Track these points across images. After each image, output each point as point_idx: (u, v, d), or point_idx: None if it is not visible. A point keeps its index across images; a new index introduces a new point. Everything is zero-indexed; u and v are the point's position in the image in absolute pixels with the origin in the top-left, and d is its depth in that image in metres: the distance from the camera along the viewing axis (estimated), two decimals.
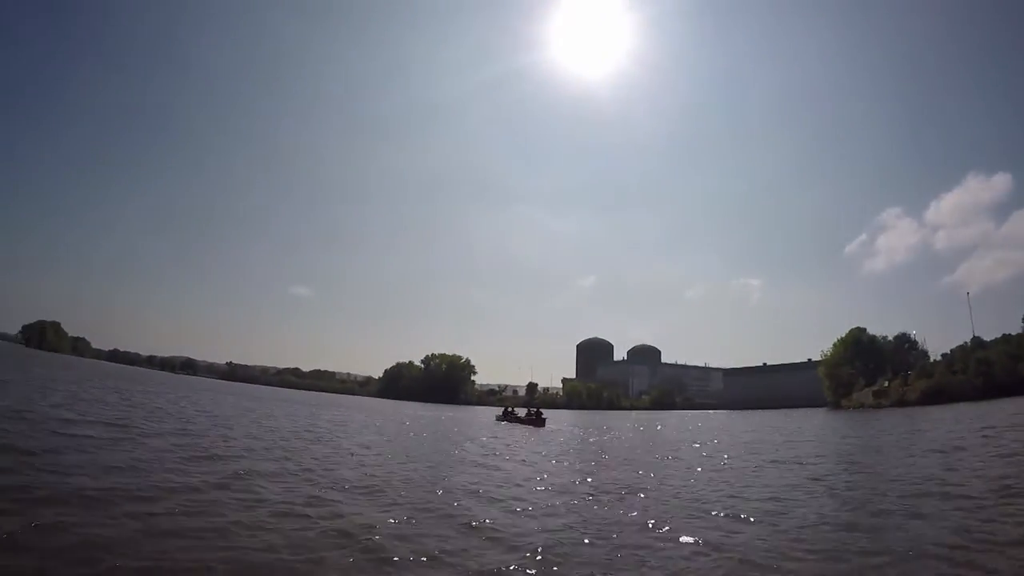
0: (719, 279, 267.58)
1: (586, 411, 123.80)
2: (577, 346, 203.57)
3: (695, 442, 29.56)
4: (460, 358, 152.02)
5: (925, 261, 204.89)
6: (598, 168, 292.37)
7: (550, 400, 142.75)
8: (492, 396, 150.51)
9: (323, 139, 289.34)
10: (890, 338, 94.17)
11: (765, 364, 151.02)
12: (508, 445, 25.97)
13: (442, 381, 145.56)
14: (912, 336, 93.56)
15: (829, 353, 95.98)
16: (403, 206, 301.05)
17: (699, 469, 17.14)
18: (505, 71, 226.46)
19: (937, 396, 67.13)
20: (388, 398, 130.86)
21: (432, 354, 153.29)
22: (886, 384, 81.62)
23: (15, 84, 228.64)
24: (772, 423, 50.44)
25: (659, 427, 47.08)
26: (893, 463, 17.08)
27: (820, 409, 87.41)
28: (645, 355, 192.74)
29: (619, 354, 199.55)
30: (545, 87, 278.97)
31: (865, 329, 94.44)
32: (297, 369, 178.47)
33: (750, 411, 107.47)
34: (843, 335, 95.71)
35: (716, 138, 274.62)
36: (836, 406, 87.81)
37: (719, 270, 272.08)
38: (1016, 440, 20.10)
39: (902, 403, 71.65)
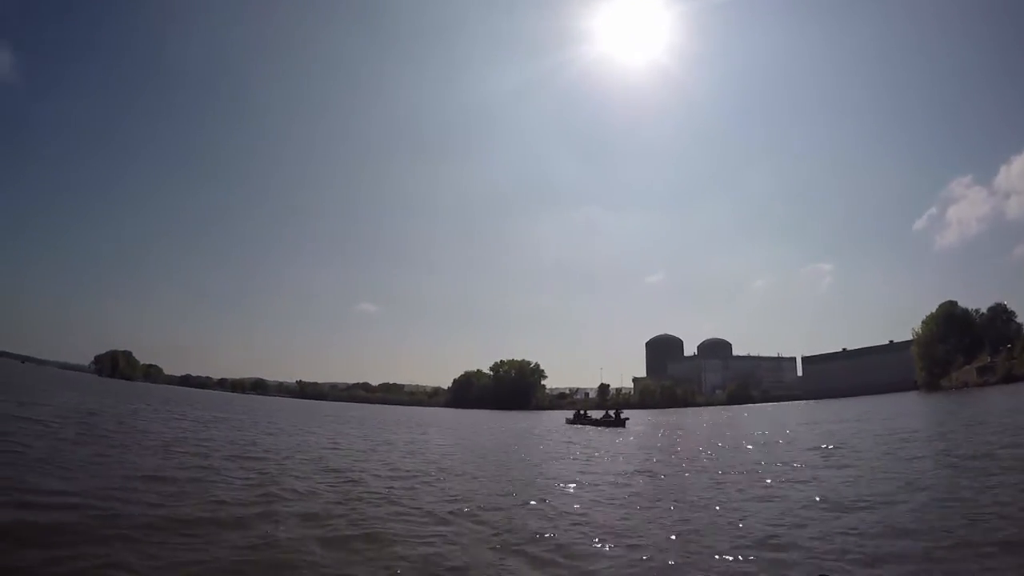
0: (788, 267, 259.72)
1: (660, 410, 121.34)
2: (646, 344, 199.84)
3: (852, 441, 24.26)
4: (529, 363, 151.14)
5: (999, 231, 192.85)
6: (657, 162, 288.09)
7: (623, 400, 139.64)
8: (563, 400, 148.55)
9: (385, 157, 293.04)
10: (983, 311, 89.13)
11: (844, 349, 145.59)
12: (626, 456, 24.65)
13: (512, 388, 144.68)
14: (1007, 307, 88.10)
15: (919, 331, 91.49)
16: (465, 217, 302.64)
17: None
18: (552, 67, 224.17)
19: None
20: (457, 408, 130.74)
21: (501, 361, 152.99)
22: (988, 359, 77.01)
23: (82, 120, 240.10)
24: (883, 411, 45.98)
25: (761, 432, 39.99)
26: None
27: (910, 393, 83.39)
28: (716, 349, 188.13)
29: (689, 349, 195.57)
30: (594, 82, 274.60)
31: (956, 303, 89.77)
32: (366, 384, 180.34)
33: (833, 400, 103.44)
34: (932, 311, 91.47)
35: (775, 123, 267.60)
36: (932, 387, 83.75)
37: (787, 258, 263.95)
38: None
39: (1010, 378, 67.66)
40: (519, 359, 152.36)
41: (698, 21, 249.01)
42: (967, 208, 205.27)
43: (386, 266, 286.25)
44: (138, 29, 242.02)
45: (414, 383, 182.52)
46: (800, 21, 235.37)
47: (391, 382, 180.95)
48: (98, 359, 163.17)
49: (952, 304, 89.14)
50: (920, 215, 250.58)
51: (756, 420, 50.78)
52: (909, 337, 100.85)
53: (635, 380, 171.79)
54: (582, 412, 61.29)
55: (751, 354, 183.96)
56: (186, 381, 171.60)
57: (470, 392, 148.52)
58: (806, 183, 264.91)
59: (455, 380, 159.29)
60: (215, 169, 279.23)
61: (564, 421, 59.19)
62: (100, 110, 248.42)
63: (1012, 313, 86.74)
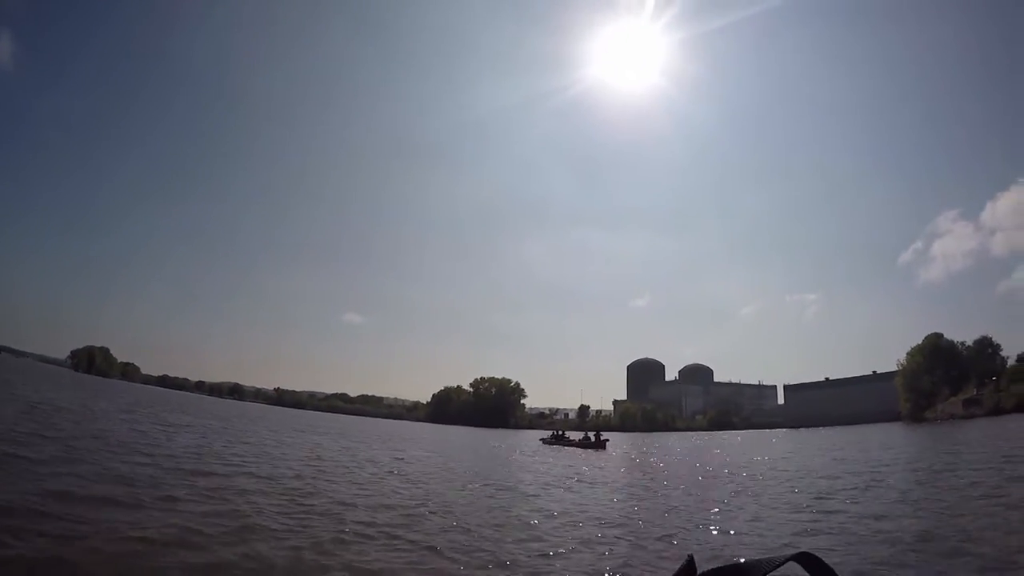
0: (773, 295, 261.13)
1: (641, 433, 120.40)
2: (628, 367, 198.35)
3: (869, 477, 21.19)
4: (510, 381, 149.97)
5: (984, 266, 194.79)
6: (650, 186, 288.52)
7: (603, 423, 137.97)
8: (543, 419, 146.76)
9: (379, 166, 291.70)
10: (969, 343, 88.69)
11: (827, 379, 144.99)
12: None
13: (491, 405, 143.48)
14: (993, 340, 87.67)
15: (905, 363, 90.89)
16: (455, 231, 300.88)
17: None
18: (550, 86, 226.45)
19: None
20: (436, 423, 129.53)
21: (481, 378, 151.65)
22: (974, 392, 76.30)
23: (75, 115, 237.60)
24: (876, 441, 44.49)
25: (757, 457, 38.68)
26: None
27: (893, 424, 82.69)
28: (697, 374, 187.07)
29: (671, 374, 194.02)
30: (591, 103, 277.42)
31: (942, 335, 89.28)
32: (344, 395, 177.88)
33: (815, 428, 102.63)
34: (918, 343, 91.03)
35: (766, 151, 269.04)
36: (916, 419, 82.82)
37: (773, 286, 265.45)
38: None
39: (998, 411, 66.91)
40: (500, 377, 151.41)
41: (695, 47, 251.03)
42: (953, 243, 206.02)
43: (374, 276, 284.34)
44: (138, 28, 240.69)
45: (394, 396, 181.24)
46: (794, 51, 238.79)
47: (370, 394, 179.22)
48: (75, 354, 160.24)
49: (938, 336, 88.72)
50: (906, 248, 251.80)
51: (738, 449, 48.99)
52: (893, 368, 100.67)
53: (615, 403, 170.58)
54: (559, 432, 59.91)
55: (733, 380, 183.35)
56: (163, 382, 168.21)
57: (449, 408, 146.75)
58: (795, 212, 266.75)
59: (435, 395, 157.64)
60: (207, 171, 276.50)
61: (539, 441, 57.72)
62: (95, 106, 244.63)
63: (998, 346, 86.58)
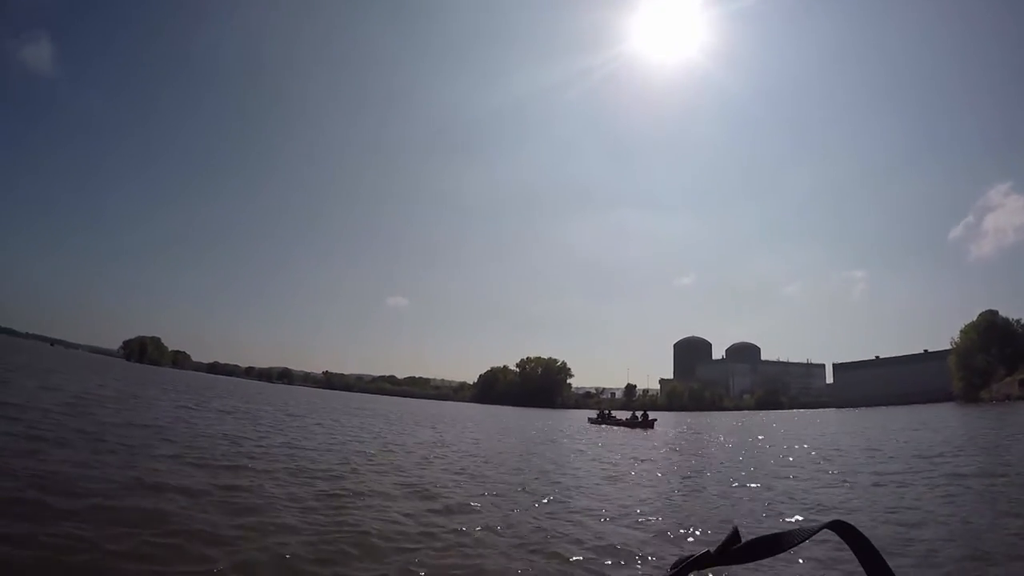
0: (820, 273, 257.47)
1: (688, 412, 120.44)
2: (674, 345, 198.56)
3: None
4: (556, 361, 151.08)
5: None
6: (690, 164, 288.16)
7: (650, 402, 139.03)
8: (589, 399, 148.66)
9: (418, 155, 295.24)
10: None
11: (877, 357, 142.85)
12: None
13: (538, 385, 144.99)
14: None
15: (958, 341, 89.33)
16: (496, 215, 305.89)
17: None
18: (586, 66, 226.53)
19: None
20: (483, 403, 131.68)
21: (527, 357, 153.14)
22: None
23: (119, 113, 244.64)
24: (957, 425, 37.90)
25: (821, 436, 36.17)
26: None
27: (945, 404, 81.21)
28: (744, 353, 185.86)
29: (717, 353, 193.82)
30: (627, 82, 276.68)
31: (997, 312, 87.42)
32: (392, 377, 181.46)
33: (866, 408, 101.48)
34: (971, 321, 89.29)
35: (808, 127, 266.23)
36: (970, 399, 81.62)
37: (820, 264, 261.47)
38: None
39: None
40: (546, 357, 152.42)
41: (734, 22, 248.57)
42: (1005, 217, 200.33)
43: (417, 261, 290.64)
44: (174, 27, 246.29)
45: (440, 377, 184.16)
46: (835, 23, 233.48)
47: (417, 376, 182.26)
48: (126, 344, 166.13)
49: (993, 313, 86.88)
50: (956, 223, 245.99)
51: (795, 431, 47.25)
52: (945, 347, 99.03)
53: (662, 382, 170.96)
54: (606, 412, 60.70)
55: (780, 359, 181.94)
56: (214, 368, 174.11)
57: (496, 388, 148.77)
58: (840, 188, 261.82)
59: (481, 376, 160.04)
60: (248, 165, 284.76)
61: (587, 420, 58.58)
62: (138, 104, 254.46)
63: None
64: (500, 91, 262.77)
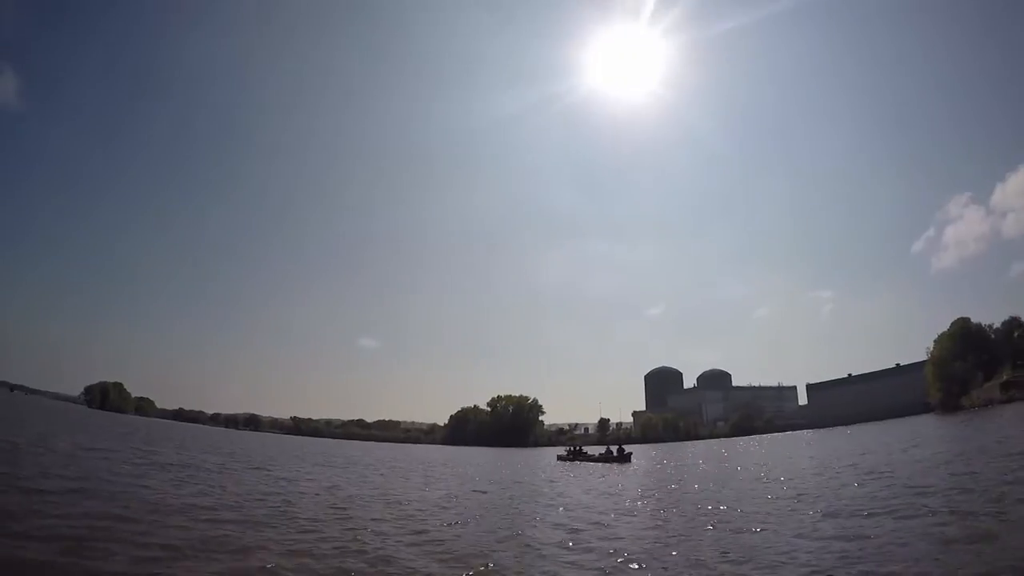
0: (787, 296, 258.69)
1: (663, 443, 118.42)
2: (645, 376, 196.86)
3: None
4: (527, 399, 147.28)
5: (996, 249, 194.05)
6: (658, 193, 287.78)
7: (624, 435, 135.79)
8: (562, 435, 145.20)
9: (386, 188, 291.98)
10: (997, 326, 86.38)
11: (850, 375, 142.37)
12: None
13: (509, 424, 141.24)
14: (1022, 319, 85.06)
15: (933, 350, 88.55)
16: (465, 248, 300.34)
17: None
18: (553, 95, 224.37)
19: None
20: (454, 445, 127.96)
21: (498, 396, 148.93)
22: (1011, 374, 73.75)
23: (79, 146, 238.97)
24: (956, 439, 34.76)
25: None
26: None
27: (924, 416, 79.98)
28: (716, 380, 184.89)
29: (688, 381, 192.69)
30: (594, 112, 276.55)
31: (969, 319, 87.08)
32: (362, 420, 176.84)
33: (841, 427, 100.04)
34: (944, 330, 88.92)
35: (771, 152, 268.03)
36: (950, 408, 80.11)
37: (787, 286, 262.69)
38: None
39: None
40: (516, 395, 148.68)
41: (694, 52, 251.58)
42: (965, 228, 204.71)
43: (385, 299, 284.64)
44: (140, 42, 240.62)
45: (411, 420, 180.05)
46: (792, 49, 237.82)
47: (387, 419, 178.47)
48: (88, 390, 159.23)
49: (966, 320, 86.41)
50: (918, 237, 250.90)
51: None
52: (917, 359, 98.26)
53: (635, 414, 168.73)
54: (577, 448, 58.10)
55: (752, 384, 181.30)
56: (179, 415, 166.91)
57: (467, 429, 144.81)
58: (803, 210, 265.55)
59: (452, 416, 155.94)
60: (212, 200, 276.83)
61: (556, 458, 55.70)
62: (99, 134, 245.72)
63: None
64: (466, 122, 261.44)
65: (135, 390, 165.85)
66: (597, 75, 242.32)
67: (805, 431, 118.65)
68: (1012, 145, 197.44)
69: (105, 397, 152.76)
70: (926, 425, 57.26)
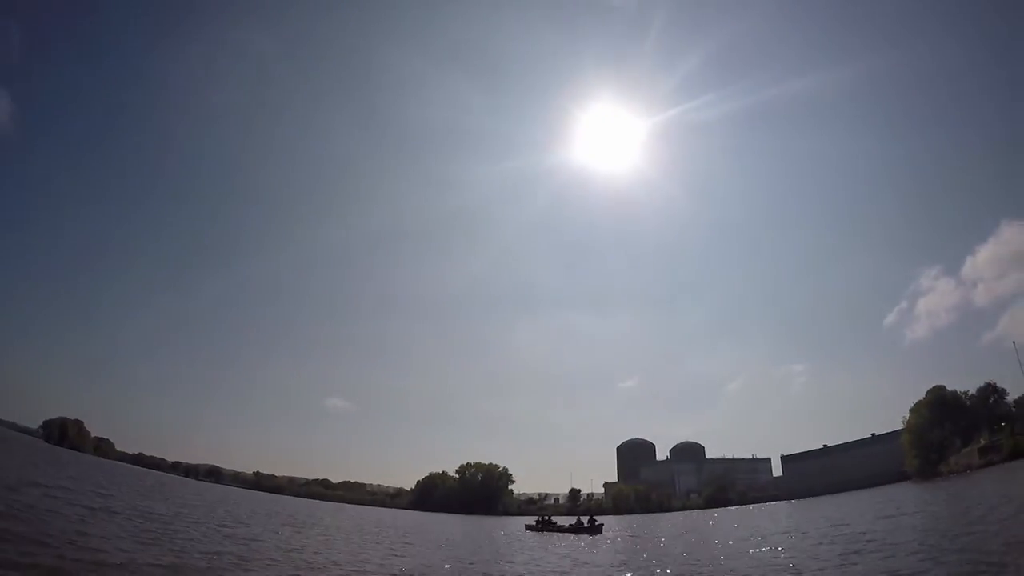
0: (760, 369, 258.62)
1: (635, 515, 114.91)
2: (617, 448, 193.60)
3: None
4: (497, 467, 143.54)
5: (968, 319, 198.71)
6: (636, 267, 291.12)
7: (595, 506, 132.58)
8: (532, 505, 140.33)
9: (365, 254, 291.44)
10: (972, 392, 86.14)
11: (825, 446, 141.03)
12: None
13: (478, 492, 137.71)
14: (997, 386, 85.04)
15: (909, 419, 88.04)
16: (442, 316, 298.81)
17: None
18: (533, 171, 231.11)
19: None
20: (421, 510, 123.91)
21: (467, 463, 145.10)
22: (988, 440, 73.20)
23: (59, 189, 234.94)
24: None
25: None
26: None
27: (901, 484, 78.97)
28: (689, 452, 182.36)
29: (661, 453, 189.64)
30: (574, 188, 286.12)
31: (944, 387, 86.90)
32: (327, 480, 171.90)
33: (816, 498, 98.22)
34: (920, 399, 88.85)
35: (746, 228, 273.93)
36: (927, 476, 79.17)
37: (760, 360, 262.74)
38: None
39: (1016, 455, 64.07)
40: (486, 463, 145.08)
41: (666, 136, 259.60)
42: (936, 299, 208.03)
43: (359, 362, 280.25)
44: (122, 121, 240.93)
45: (378, 482, 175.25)
46: (759, 128, 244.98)
47: (353, 480, 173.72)
48: (47, 424, 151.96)
49: (941, 388, 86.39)
50: (891, 310, 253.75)
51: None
52: (892, 428, 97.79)
53: (606, 485, 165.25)
54: (546, 518, 55.60)
55: (726, 456, 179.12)
56: (139, 460, 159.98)
57: (434, 494, 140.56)
58: (777, 284, 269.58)
59: (419, 482, 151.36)
60: (190, 254, 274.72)
61: (524, 528, 53.26)
62: (81, 178, 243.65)
63: (1003, 391, 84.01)
64: (447, 193, 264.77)
65: (95, 429, 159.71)
66: (581, 151, 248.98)
67: (780, 502, 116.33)
68: (981, 217, 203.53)
69: (64, 434, 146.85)
70: (905, 493, 55.63)
